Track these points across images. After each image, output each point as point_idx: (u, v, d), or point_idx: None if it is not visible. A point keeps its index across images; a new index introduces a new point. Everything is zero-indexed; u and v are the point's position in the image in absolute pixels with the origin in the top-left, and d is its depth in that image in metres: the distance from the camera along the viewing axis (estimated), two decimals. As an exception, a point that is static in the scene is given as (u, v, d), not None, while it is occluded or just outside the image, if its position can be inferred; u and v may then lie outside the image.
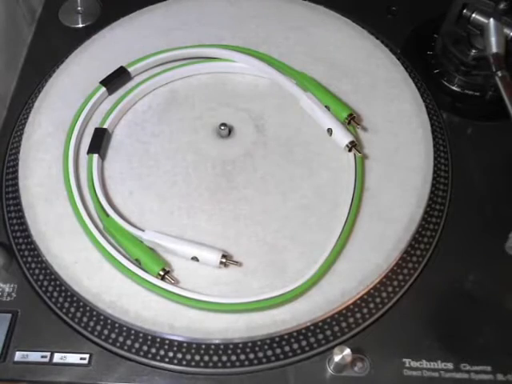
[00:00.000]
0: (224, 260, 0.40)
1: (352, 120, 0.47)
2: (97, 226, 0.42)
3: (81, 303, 0.41)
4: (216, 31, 0.53)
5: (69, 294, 0.42)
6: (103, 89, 0.49)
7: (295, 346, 0.40)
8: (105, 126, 0.47)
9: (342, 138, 0.46)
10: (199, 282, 0.41)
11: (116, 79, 0.49)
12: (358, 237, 0.43)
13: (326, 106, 0.48)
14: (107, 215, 0.42)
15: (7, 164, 0.49)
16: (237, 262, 0.41)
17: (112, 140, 0.48)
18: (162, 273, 0.40)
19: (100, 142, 0.46)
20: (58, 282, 0.42)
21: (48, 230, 0.43)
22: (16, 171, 0.46)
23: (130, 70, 0.50)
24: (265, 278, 0.41)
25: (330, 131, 0.47)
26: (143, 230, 0.42)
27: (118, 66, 0.50)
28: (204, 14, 0.55)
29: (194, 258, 0.41)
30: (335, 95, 0.48)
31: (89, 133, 0.47)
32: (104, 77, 0.49)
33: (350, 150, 0.45)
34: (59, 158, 0.46)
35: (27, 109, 0.51)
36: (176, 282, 0.40)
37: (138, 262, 0.41)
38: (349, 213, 0.43)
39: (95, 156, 0.45)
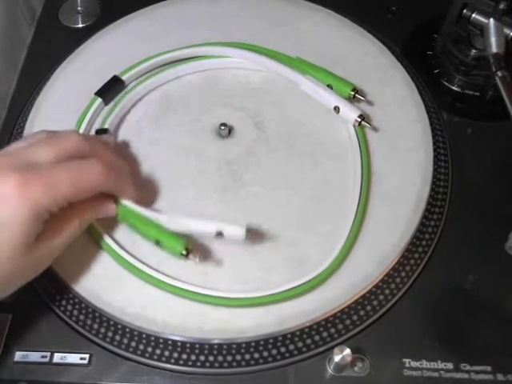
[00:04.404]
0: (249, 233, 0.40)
1: (356, 94, 0.47)
2: (112, 237, 0.42)
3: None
4: (202, 33, 0.53)
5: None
6: (99, 100, 0.48)
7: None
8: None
9: (351, 113, 0.46)
10: (220, 281, 0.41)
11: (111, 89, 0.49)
12: (372, 220, 0.43)
13: (327, 86, 0.48)
14: (120, 203, 0.41)
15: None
16: (262, 234, 0.41)
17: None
18: (184, 252, 0.39)
19: None
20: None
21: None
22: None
23: (123, 78, 0.49)
24: (286, 272, 0.41)
25: (336, 109, 0.47)
26: (160, 212, 0.41)
27: (107, 76, 0.49)
28: (187, 17, 0.55)
29: (219, 234, 0.40)
30: (335, 73, 0.48)
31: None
32: (94, 88, 0.48)
33: (359, 124, 0.46)
34: None
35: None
36: (201, 259, 0.40)
37: (158, 245, 0.40)
38: (359, 198, 0.43)
39: None
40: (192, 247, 0.40)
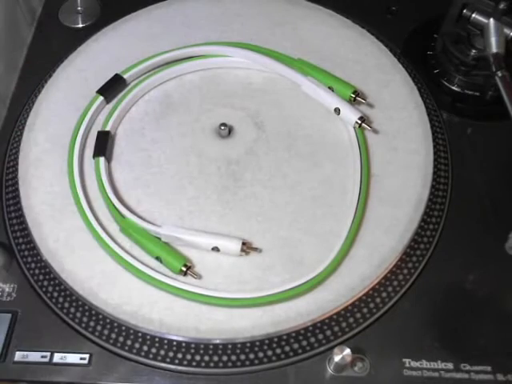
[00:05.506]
0: (244, 247, 0.41)
1: (357, 97, 0.47)
2: (110, 236, 0.42)
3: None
4: (202, 32, 0.53)
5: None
6: (100, 98, 0.48)
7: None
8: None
9: (351, 115, 0.46)
10: (219, 282, 0.41)
11: (113, 87, 0.49)
12: (370, 222, 0.43)
13: (329, 87, 0.48)
14: (123, 217, 0.42)
15: (6, 177, 0.48)
16: (256, 249, 0.41)
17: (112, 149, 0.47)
18: (184, 268, 0.40)
19: (105, 144, 0.45)
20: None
21: (58, 248, 0.42)
22: (17, 190, 0.45)
23: (125, 76, 0.49)
24: (284, 272, 0.41)
25: (337, 111, 0.47)
26: (160, 226, 0.42)
27: (108, 76, 0.49)
28: (187, 17, 0.55)
29: (215, 249, 0.41)
30: (336, 76, 0.49)
31: (90, 144, 0.46)
32: (94, 88, 0.48)
33: (359, 126, 0.46)
34: (60, 174, 0.45)
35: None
36: (199, 277, 0.40)
37: (158, 260, 0.41)
38: (358, 199, 0.43)
39: (102, 159, 0.44)
40: (191, 265, 0.41)
